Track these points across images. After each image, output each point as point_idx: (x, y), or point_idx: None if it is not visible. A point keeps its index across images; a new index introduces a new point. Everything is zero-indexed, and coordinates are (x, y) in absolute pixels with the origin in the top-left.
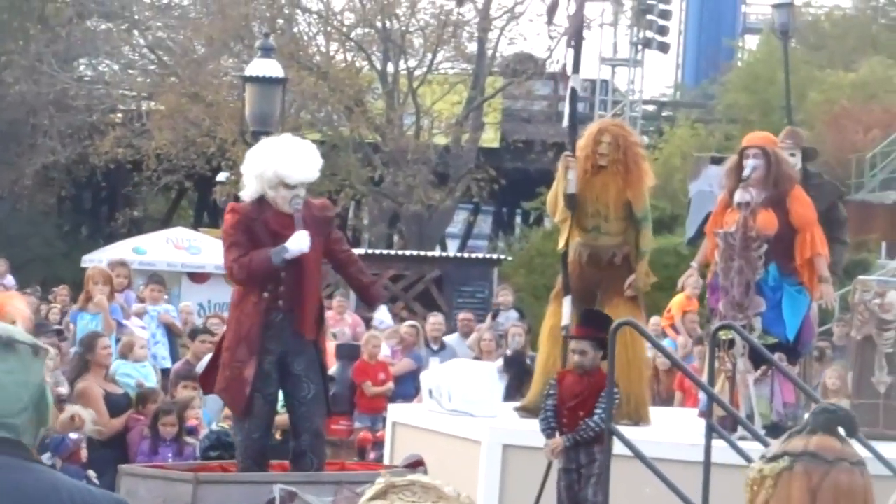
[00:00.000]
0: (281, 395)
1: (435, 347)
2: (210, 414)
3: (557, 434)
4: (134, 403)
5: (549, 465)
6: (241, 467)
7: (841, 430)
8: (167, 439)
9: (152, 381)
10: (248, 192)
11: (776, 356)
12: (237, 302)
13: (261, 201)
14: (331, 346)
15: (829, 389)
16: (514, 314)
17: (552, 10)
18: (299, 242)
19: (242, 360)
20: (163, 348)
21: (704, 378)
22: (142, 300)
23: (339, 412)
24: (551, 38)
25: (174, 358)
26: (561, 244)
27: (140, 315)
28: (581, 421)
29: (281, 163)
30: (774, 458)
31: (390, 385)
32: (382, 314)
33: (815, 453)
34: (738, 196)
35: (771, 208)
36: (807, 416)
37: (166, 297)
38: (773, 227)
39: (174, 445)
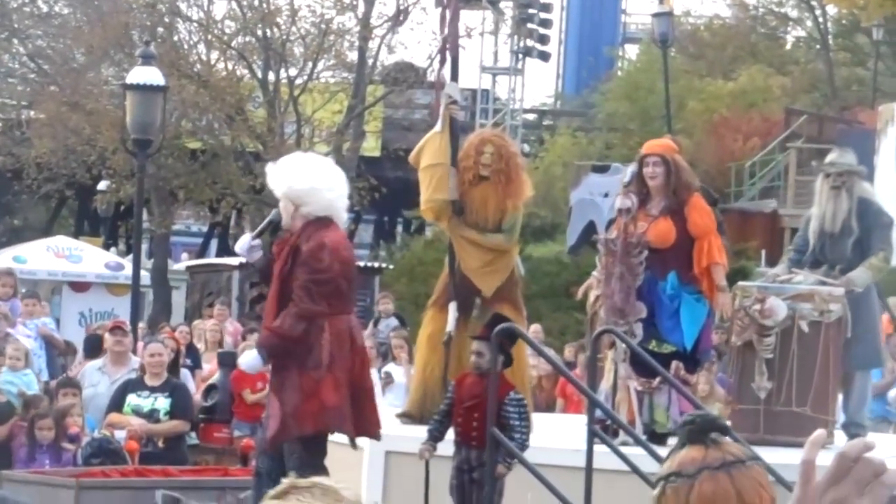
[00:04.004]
0: None
1: None
2: (94, 421)
3: (451, 436)
4: (20, 411)
5: (428, 469)
6: None
7: (714, 435)
8: (44, 445)
9: (35, 388)
10: None
11: (674, 365)
12: None
13: None
14: (213, 356)
15: (699, 395)
16: (393, 321)
17: (443, 21)
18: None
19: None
20: (40, 361)
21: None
22: None
23: (222, 420)
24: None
25: (51, 370)
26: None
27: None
28: (474, 421)
29: None
30: (656, 484)
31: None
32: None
33: (679, 472)
34: (619, 202)
35: (669, 217)
36: None
37: (45, 303)
38: (671, 236)
39: (51, 451)
